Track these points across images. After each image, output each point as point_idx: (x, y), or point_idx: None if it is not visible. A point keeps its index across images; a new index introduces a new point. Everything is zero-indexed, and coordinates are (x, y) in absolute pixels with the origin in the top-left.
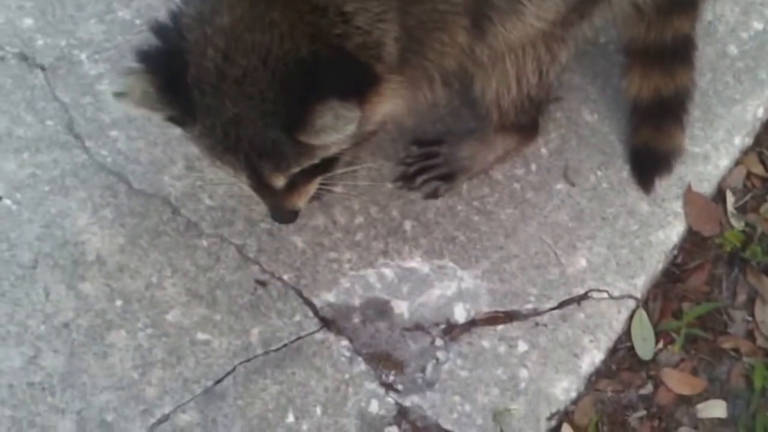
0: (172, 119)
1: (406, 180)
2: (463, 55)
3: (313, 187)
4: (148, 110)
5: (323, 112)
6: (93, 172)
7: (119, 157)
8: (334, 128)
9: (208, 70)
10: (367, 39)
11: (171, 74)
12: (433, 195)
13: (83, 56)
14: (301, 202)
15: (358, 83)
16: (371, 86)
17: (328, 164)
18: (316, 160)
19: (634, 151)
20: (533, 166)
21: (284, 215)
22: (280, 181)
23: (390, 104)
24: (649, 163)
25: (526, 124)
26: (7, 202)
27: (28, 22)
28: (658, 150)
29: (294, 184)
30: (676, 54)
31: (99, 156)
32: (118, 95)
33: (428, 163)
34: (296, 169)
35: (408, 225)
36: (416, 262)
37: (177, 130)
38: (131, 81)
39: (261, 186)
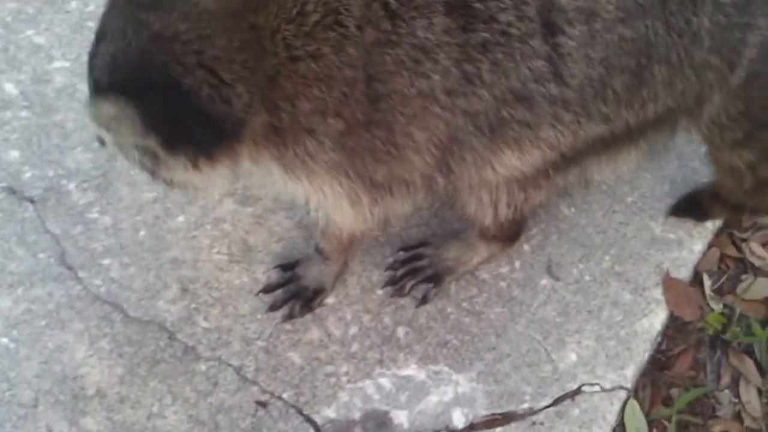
0: None
1: (395, 284)
2: (424, 186)
3: None
4: None
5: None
6: (88, 302)
7: (113, 285)
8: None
9: None
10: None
11: None
12: (424, 301)
13: (71, 186)
14: None
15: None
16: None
17: None
18: None
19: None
20: (517, 263)
21: None
22: None
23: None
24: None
25: (509, 235)
26: (5, 340)
27: (14, 154)
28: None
29: None
30: None
31: (93, 286)
32: None
33: (414, 265)
34: None
35: (401, 332)
36: (412, 370)
37: (168, 254)
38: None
39: None
